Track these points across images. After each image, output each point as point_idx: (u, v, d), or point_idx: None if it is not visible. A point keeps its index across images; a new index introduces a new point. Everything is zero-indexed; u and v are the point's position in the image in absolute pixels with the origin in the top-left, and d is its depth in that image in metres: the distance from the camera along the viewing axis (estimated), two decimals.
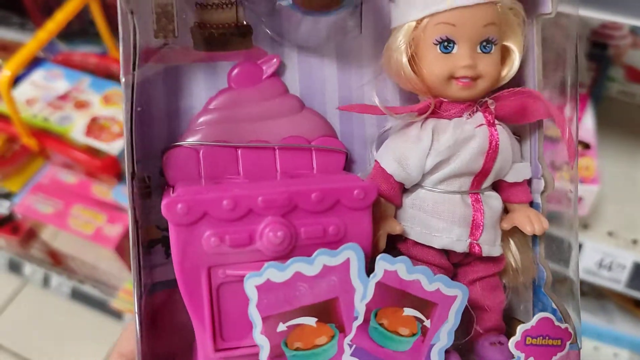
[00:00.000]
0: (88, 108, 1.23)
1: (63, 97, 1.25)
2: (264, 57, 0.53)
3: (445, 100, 0.52)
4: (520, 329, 0.50)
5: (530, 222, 0.53)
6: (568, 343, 0.51)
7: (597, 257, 1.00)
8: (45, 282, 1.47)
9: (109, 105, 1.23)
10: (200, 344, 0.49)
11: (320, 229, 0.47)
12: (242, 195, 0.46)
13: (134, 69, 0.47)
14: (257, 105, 0.53)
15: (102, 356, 1.41)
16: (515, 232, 0.55)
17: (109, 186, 1.24)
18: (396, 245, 0.54)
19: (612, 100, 1.24)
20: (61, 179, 1.29)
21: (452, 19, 0.49)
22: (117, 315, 1.42)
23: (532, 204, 0.56)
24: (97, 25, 1.25)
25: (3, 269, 1.51)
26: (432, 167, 0.51)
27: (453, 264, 0.54)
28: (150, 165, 0.52)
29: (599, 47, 1.20)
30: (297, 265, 0.44)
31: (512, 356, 0.50)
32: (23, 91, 1.26)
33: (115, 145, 1.16)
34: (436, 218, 0.52)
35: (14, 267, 1.50)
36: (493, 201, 0.53)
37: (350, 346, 0.47)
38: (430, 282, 0.46)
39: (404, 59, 0.50)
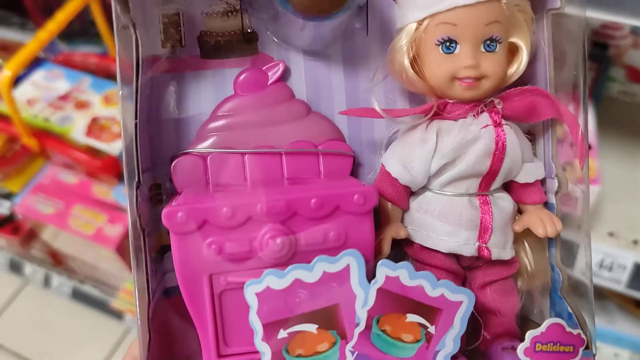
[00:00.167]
0: (88, 108, 1.23)
1: (63, 97, 1.25)
2: (269, 63, 0.54)
3: (450, 101, 0.51)
4: (529, 335, 0.48)
5: (542, 224, 0.51)
6: (581, 349, 0.49)
7: (597, 258, 1.00)
8: (46, 282, 1.47)
9: (110, 106, 1.23)
10: (204, 350, 0.49)
11: (320, 235, 0.47)
12: (241, 203, 0.46)
13: (136, 81, 0.48)
14: (263, 111, 0.53)
15: (102, 356, 1.41)
16: (529, 233, 0.53)
17: (110, 186, 1.24)
18: (404, 249, 0.54)
19: (613, 100, 1.23)
20: (62, 179, 1.29)
21: (453, 19, 0.48)
22: (117, 315, 1.42)
23: (546, 204, 0.54)
24: (98, 26, 1.25)
25: (4, 269, 1.51)
26: (438, 169, 0.50)
27: (464, 267, 0.53)
28: (161, 172, 0.53)
29: (600, 47, 1.19)
30: (296, 272, 0.44)
31: None
32: (24, 91, 1.26)
33: (116, 146, 1.16)
34: (443, 221, 0.51)
35: (15, 267, 1.50)
36: (503, 203, 0.52)
37: (352, 353, 0.46)
38: (433, 288, 0.45)
39: (406, 61, 0.50)
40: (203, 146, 0.52)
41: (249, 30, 0.53)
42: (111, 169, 1.16)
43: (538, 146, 0.55)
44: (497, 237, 0.51)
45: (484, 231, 0.51)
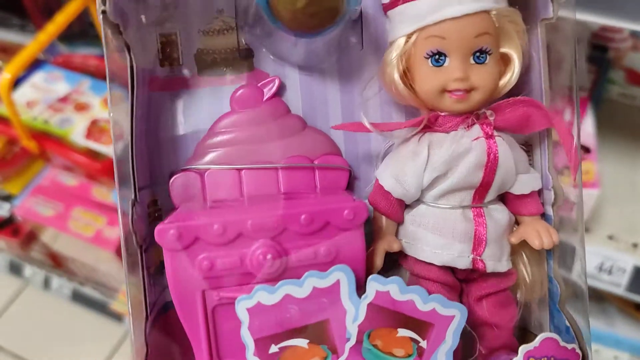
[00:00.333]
0: (88, 110, 1.23)
1: (63, 100, 1.25)
2: (265, 79, 0.54)
3: (441, 113, 0.51)
4: (522, 349, 0.48)
5: (538, 235, 0.51)
6: None
7: (597, 261, 1.00)
8: (46, 284, 1.47)
9: None
10: None
11: (311, 251, 0.47)
12: (232, 219, 0.46)
13: (132, 102, 0.48)
14: (259, 127, 0.53)
15: (102, 358, 1.41)
16: (528, 245, 0.53)
17: (109, 188, 1.24)
18: (399, 262, 0.54)
19: (613, 102, 1.23)
20: (61, 181, 1.29)
21: (441, 32, 0.48)
22: (117, 317, 1.42)
23: (543, 215, 0.54)
24: (98, 27, 1.25)
25: (4, 270, 1.51)
26: (430, 182, 0.50)
27: (460, 280, 0.53)
28: (159, 188, 0.54)
29: (599, 49, 1.19)
30: (286, 288, 0.45)
31: None
32: (23, 93, 1.26)
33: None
34: (436, 234, 0.51)
35: (15, 269, 1.50)
36: (498, 214, 0.52)
37: None
38: (425, 303, 0.45)
39: (396, 74, 0.50)
40: (200, 162, 0.53)
41: (244, 47, 0.54)
42: (111, 171, 1.15)
43: (535, 157, 0.55)
44: (491, 250, 0.51)
45: (478, 243, 0.51)
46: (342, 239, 0.47)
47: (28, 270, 1.48)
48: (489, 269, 0.51)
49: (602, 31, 1.18)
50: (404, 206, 0.53)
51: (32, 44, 1.11)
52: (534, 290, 0.54)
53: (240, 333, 0.46)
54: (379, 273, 0.50)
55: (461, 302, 0.53)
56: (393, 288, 0.45)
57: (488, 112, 0.50)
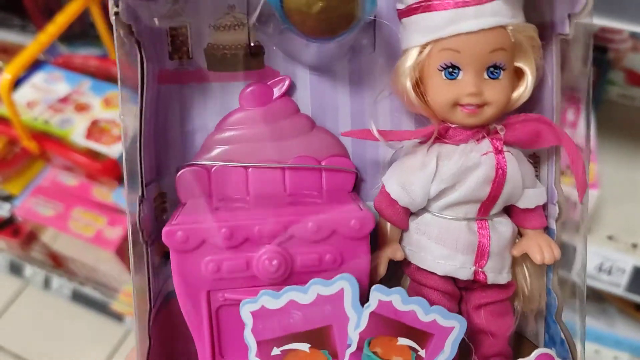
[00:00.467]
0: (88, 111, 1.23)
1: (63, 100, 1.25)
2: (275, 77, 0.54)
3: (452, 126, 0.50)
4: None
5: (540, 250, 0.51)
6: None
7: (597, 261, 1.00)
8: (46, 284, 1.47)
9: (110, 108, 1.24)
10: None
11: (316, 258, 0.48)
12: (239, 224, 0.47)
13: (141, 98, 0.48)
14: (267, 126, 0.53)
15: (102, 358, 1.41)
16: (529, 257, 0.52)
17: (110, 189, 1.24)
18: (402, 268, 0.54)
19: (612, 103, 1.23)
20: (62, 181, 1.29)
21: (456, 45, 0.47)
22: (117, 317, 1.42)
23: (546, 229, 0.54)
24: (98, 28, 1.25)
25: (4, 271, 1.52)
26: (437, 193, 0.50)
27: (460, 288, 0.53)
28: (166, 182, 0.54)
29: (599, 50, 1.19)
30: (291, 294, 0.45)
31: None
32: (24, 94, 1.26)
33: (116, 148, 1.16)
34: (440, 244, 0.51)
35: (15, 269, 1.50)
36: (502, 228, 0.52)
37: None
38: (426, 313, 0.46)
39: (408, 84, 0.49)
40: (207, 158, 0.53)
41: (255, 44, 0.53)
42: (111, 171, 1.16)
43: (542, 171, 0.55)
44: (493, 262, 0.51)
45: (480, 256, 0.51)
46: (348, 248, 0.48)
47: (28, 270, 1.48)
48: (490, 281, 0.51)
49: (602, 32, 1.18)
50: (410, 214, 0.53)
51: (33, 44, 1.11)
52: (532, 301, 0.54)
53: (244, 335, 0.46)
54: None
55: (459, 308, 0.54)
56: (395, 298, 0.46)
57: (499, 127, 0.50)
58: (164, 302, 0.54)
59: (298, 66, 0.54)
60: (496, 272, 0.51)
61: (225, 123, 0.54)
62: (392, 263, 0.52)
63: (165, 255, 0.53)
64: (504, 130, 0.50)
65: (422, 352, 0.47)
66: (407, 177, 0.51)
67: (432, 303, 0.46)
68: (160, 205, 0.55)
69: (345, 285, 0.45)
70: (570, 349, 0.52)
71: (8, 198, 1.38)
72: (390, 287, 0.46)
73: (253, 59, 0.54)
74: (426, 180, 0.50)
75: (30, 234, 1.38)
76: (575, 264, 0.52)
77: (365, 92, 0.55)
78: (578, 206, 0.52)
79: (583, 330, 0.52)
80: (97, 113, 1.22)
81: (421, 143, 0.51)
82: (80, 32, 1.41)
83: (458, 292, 0.53)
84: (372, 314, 0.46)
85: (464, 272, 0.51)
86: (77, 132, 1.18)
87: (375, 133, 0.50)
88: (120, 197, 1.23)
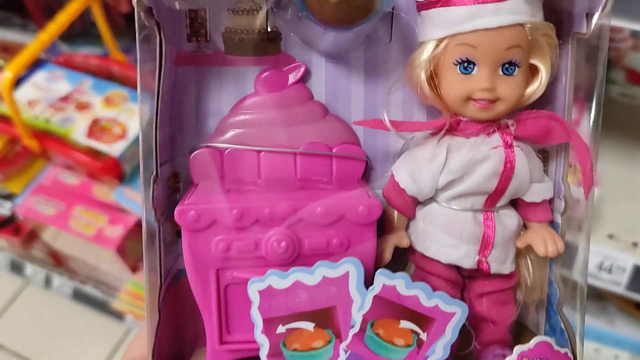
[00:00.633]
0: (89, 109, 1.23)
1: (64, 99, 1.25)
2: (291, 64, 0.54)
3: (463, 119, 0.51)
4: (517, 349, 0.49)
5: (544, 243, 0.51)
6: None
7: (597, 260, 1.00)
8: (47, 282, 1.47)
9: (111, 107, 1.24)
10: (209, 335, 0.52)
11: (323, 241, 0.49)
12: (250, 206, 0.48)
13: (159, 82, 0.49)
14: (281, 111, 0.54)
15: (103, 357, 1.41)
16: (532, 248, 0.53)
17: (110, 187, 1.24)
18: (407, 255, 0.54)
19: (613, 102, 1.23)
20: (62, 180, 1.29)
21: (473, 41, 0.47)
22: (118, 316, 1.42)
23: (551, 223, 0.54)
24: (99, 27, 1.25)
25: (5, 269, 1.52)
26: (445, 184, 0.50)
27: (463, 276, 0.54)
28: (180, 162, 0.55)
29: None
30: (297, 275, 0.47)
31: None
32: (25, 92, 1.26)
33: (117, 147, 1.17)
34: (446, 234, 0.51)
35: (16, 268, 1.50)
36: (507, 220, 0.52)
37: (346, 351, 0.48)
38: (429, 299, 0.47)
39: (423, 76, 0.49)
40: (221, 140, 0.54)
41: (272, 30, 0.53)
42: (112, 170, 1.16)
43: (550, 166, 0.55)
44: (497, 252, 0.52)
45: (485, 246, 0.51)
46: (355, 233, 0.49)
47: (29, 269, 1.48)
48: (493, 271, 0.52)
49: None
50: (417, 203, 0.53)
51: (34, 43, 1.11)
52: (534, 291, 0.55)
53: (250, 312, 0.47)
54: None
55: (462, 295, 0.54)
56: (399, 283, 0.46)
57: (510, 122, 0.50)
58: (174, 280, 0.56)
59: (314, 53, 0.54)
60: (500, 262, 0.52)
61: (240, 107, 0.54)
62: (397, 250, 0.53)
63: (177, 234, 0.55)
64: (515, 126, 0.50)
65: (423, 336, 0.47)
66: (416, 168, 0.51)
67: (435, 290, 0.47)
68: (173, 184, 0.56)
69: (350, 268, 0.46)
70: (569, 339, 0.53)
71: (9, 196, 1.38)
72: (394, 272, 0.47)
73: (270, 44, 0.54)
74: (435, 171, 0.50)
75: (31, 233, 1.38)
76: (576, 261, 0.53)
77: (379, 82, 0.55)
78: (581, 204, 0.52)
79: (582, 328, 0.52)
80: (98, 112, 1.23)
81: (432, 135, 0.52)
82: (81, 31, 1.41)
83: (461, 280, 0.54)
84: (376, 297, 0.46)
85: (468, 261, 0.51)
86: (78, 130, 1.19)
87: (388, 123, 0.50)
88: (121, 195, 1.23)
